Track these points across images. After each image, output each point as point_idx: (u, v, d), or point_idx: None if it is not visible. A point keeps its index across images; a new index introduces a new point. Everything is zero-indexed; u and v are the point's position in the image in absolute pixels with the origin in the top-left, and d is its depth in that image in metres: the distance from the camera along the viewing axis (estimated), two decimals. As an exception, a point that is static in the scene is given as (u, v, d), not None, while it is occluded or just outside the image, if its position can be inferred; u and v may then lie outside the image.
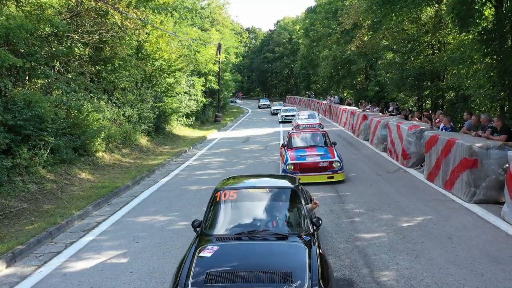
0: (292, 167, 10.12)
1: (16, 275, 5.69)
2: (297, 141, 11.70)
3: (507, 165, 7.05)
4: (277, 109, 37.84)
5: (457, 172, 8.41)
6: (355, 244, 6.14)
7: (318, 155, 10.45)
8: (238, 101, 70.62)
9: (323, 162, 10.11)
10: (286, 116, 30.28)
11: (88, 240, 7.00)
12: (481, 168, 7.82)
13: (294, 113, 28.62)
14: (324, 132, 12.31)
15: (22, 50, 10.71)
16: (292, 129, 19.28)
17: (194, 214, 8.14)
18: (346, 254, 5.79)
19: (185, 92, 24.58)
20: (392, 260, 5.51)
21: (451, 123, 11.13)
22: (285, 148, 11.41)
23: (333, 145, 11.29)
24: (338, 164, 10.05)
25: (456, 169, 8.45)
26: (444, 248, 5.83)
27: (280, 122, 30.01)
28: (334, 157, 10.23)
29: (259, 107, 53.89)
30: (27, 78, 11.29)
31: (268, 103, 53.96)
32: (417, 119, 13.88)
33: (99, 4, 13.28)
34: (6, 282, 5.49)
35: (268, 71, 74.84)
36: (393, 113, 17.76)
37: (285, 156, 10.82)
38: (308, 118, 22.25)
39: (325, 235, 6.56)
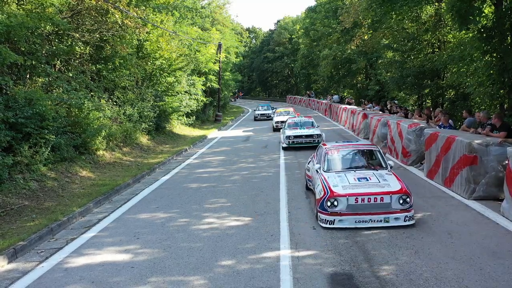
0: None
1: (18, 270, 5.72)
2: None
3: (507, 162, 7.07)
4: (281, 122, 21.48)
5: (456, 169, 8.43)
6: (355, 240, 6.16)
7: None
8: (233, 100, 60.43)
9: None
10: (296, 137, 15.56)
11: (89, 237, 7.03)
12: (480, 165, 7.85)
13: (312, 131, 15.72)
14: None
15: (23, 48, 10.74)
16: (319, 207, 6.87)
17: (194, 211, 8.21)
18: (346, 250, 5.81)
19: (186, 91, 24.58)
20: (391, 255, 5.54)
21: (449, 122, 11.15)
22: None
23: None
24: None
25: (455, 166, 8.48)
26: (444, 244, 5.86)
27: (283, 149, 15.75)
28: None
29: (255, 119, 32.61)
30: (28, 76, 11.32)
31: (269, 111, 32.38)
32: (417, 117, 13.89)
33: (99, 2, 13.30)
34: (8, 277, 5.52)
35: (268, 70, 74.75)
36: (392, 111, 17.77)
37: None
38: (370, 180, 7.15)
39: (325, 231, 6.59)
